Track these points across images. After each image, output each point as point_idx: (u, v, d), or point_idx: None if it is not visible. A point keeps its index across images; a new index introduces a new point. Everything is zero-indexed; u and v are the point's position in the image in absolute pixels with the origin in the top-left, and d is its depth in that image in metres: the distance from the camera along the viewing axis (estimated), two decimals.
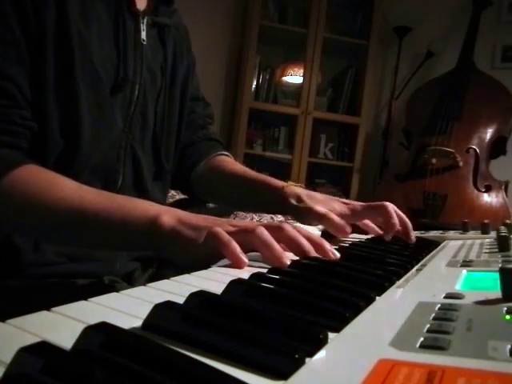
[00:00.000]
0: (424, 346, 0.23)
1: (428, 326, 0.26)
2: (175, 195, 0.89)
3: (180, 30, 0.79)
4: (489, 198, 2.27)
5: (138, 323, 0.26)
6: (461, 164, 2.32)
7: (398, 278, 0.41)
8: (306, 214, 0.67)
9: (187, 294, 0.29)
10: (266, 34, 2.75)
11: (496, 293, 0.32)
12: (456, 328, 0.25)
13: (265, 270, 0.41)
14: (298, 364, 0.21)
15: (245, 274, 0.39)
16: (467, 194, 2.29)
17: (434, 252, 0.60)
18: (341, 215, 0.67)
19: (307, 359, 0.22)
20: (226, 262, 0.46)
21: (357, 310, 0.30)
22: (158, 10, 0.72)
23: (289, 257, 0.46)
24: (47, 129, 0.58)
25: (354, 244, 0.63)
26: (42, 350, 0.20)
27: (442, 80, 2.57)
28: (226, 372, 0.20)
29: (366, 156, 2.86)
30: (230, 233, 0.46)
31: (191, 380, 0.19)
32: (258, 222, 0.58)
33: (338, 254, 0.49)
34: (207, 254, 0.47)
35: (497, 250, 0.56)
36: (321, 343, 0.24)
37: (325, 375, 0.21)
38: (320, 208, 0.66)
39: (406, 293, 0.36)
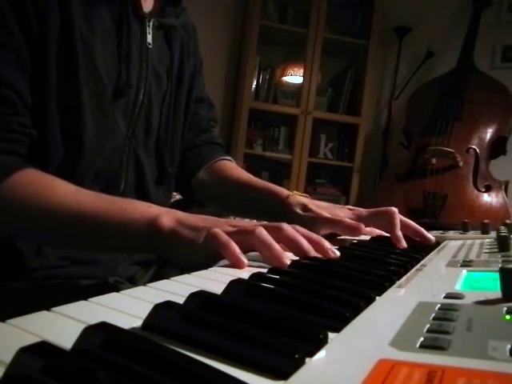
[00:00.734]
0: (424, 346, 0.23)
1: (428, 326, 0.26)
2: (175, 195, 0.89)
3: (188, 30, 0.79)
4: (489, 198, 2.27)
5: (138, 323, 0.26)
6: (461, 164, 2.32)
7: (398, 278, 0.41)
8: (313, 223, 0.65)
9: (187, 294, 0.29)
10: (266, 34, 2.75)
11: (496, 293, 0.32)
12: (456, 328, 0.25)
13: (265, 270, 0.41)
14: (298, 364, 0.21)
15: (245, 274, 0.39)
16: (467, 194, 2.29)
17: (433, 252, 0.60)
18: None
19: (307, 359, 0.22)
20: (225, 262, 0.46)
21: (357, 310, 0.30)
22: (164, 11, 0.71)
23: (289, 257, 0.46)
24: (49, 135, 0.58)
25: (354, 244, 0.63)
26: (42, 350, 0.20)
27: (442, 80, 2.57)
28: (226, 372, 0.20)
29: (366, 156, 2.86)
30: (229, 233, 0.46)
31: (191, 380, 0.19)
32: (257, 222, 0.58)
33: (337, 253, 0.49)
34: (207, 254, 0.47)
35: (497, 250, 0.56)
36: (321, 343, 0.24)
37: (325, 375, 0.21)
38: (327, 215, 0.65)
39: (405, 293, 0.36)
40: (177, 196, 0.90)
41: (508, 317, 0.27)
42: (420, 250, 0.60)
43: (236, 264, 0.44)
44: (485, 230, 0.76)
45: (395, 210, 0.65)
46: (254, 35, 2.70)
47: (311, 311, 0.29)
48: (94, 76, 0.60)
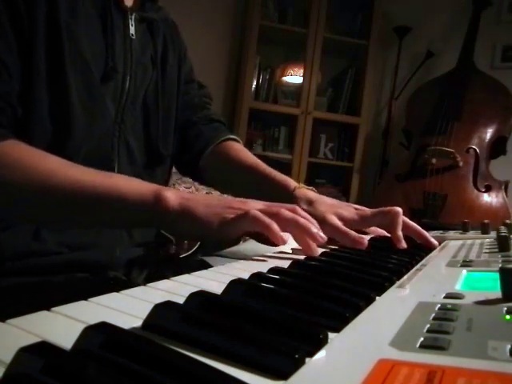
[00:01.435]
0: (424, 346, 0.23)
1: (428, 326, 0.26)
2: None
3: (169, 24, 0.81)
4: (489, 198, 2.27)
5: (138, 323, 0.26)
6: (461, 164, 2.32)
7: (398, 278, 0.41)
8: (318, 223, 0.65)
9: (187, 294, 0.29)
10: (266, 34, 2.74)
11: (496, 293, 0.32)
12: (456, 328, 0.25)
13: (265, 270, 0.41)
14: (298, 364, 0.21)
15: (245, 274, 0.39)
16: (467, 194, 2.29)
17: (434, 252, 0.60)
18: (350, 221, 0.66)
19: (307, 359, 0.22)
20: (223, 262, 0.46)
21: (357, 310, 0.30)
22: (144, 7, 0.74)
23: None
24: (37, 117, 0.58)
25: None
26: (42, 350, 0.20)
27: (442, 80, 2.57)
28: (226, 372, 0.20)
29: (366, 156, 2.86)
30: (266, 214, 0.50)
31: (191, 380, 0.19)
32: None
33: (324, 237, 0.52)
34: (236, 233, 0.51)
35: (497, 250, 0.56)
36: (321, 343, 0.24)
37: (325, 375, 0.21)
38: (333, 220, 0.63)
39: (406, 293, 0.36)
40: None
41: (508, 317, 0.27)
42: (420, 249, 0.60)
43: (281, 242, 0.49)
44: (485, 230, 0.76)
45: (400, 210, 0.65)
46: (254, 35, 2.70)
47: (311, 311, 0.29)
48: (81, 61, 0.61)
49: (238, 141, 0.87)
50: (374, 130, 3.00)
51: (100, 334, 0.22)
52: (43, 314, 0.27)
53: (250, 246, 0.67)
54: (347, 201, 2.83)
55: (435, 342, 0.23)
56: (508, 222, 0.71)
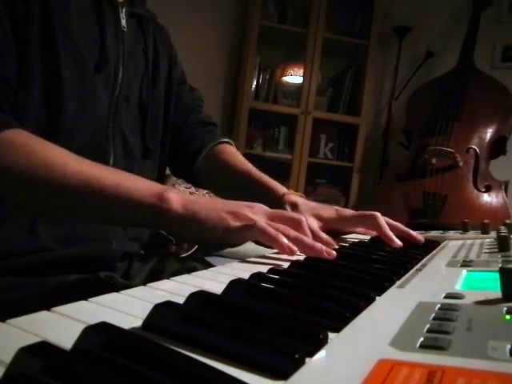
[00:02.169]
0: (424, 346, 0.23)
1: (428, 326, 0.26)
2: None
3: (158, 25, 0.82)
4: (489, 198, 2.27)
5: (138, 323, 0.26)
6: (461, 164, 2.32)
7: (398, 278, 0.41)
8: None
9: (187, 294, 0.29)
10: (266, 34, 2.74)
11: (496, 293, 0.32)
12: (456, 328, 0.25)
13: (265, 270, 0.41)
14: (298, 364, 0.21)
15: (245, 274, 0.39)
16: (467, 194, 2.29)
17: (434, 252, 0.60)
18: (328, 220, 0.69)
19: (307, 359, 0.22)
20: (223, 262, 0.46)
21: (357, 310, 0.30)
22: (134, 2, 0.75)
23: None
24: (30, 104, 0.58)
25: (354, 244, 0.63)
26: (42, 349, 0.20)
27: (442, 80, 2.57)
28: (226, 372, 0.20)
29: (366, 156, 2.86)
30: (271, 226, 0.51)
31: (191, 380, 0.19)
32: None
33: (333, 254, 0.51)
34: (240, 242, 0.52)
35: (497, 250, 0.56)
36: (321, 343, 0.24)
37: (325, 375, 0.21)
38: (309, 220, 0.65)
39: (406, 293, 0.36)
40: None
41: (508, 317, 0.27)
42: (420, 249, 0.60)
43: (289, 253, 0.49)
44: (485, 230, 0.76)
45: (378, 213, 0.67)
46: (254, 35, 2.70)
47: (311, 311, 0.29)
48: (73, 49, 0.62)
49: (231, 143, 0.89)
50: (374, 129, 3.00)
51: (100, 333, 0.22)
52: (43, 313, 0.27)
53: (250, 246, 0.67)
54: (347, 201, 2.83)
55: (435, 342, 0.23)
56: (508, 221, 0.71)
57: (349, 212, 0.71)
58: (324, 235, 0.57)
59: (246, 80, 2.73)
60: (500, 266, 0.32)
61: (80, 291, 0.30)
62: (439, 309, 0.29)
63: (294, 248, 0.49)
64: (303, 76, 2.79)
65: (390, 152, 2.85)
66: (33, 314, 0.27)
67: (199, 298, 0.29)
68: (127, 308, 0.29)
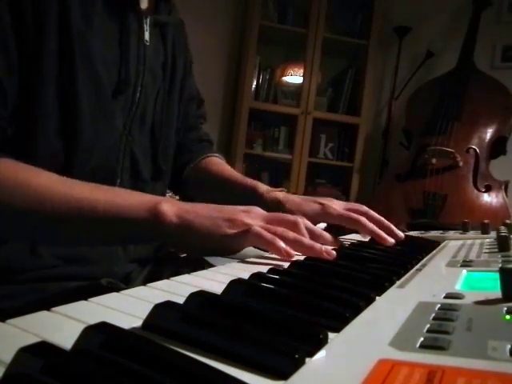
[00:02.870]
0: (424, 346, 0.23)
1: (428, 326, 0.26)
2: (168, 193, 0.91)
3: (177, 26, 0.80)
4: (489, 198, 2.27)
5: (138, 323, 0.26)
6: (461, 164, 2.32)
7: (398, 278, 0.41)
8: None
9: (187, 294, 0.29)
10: (266, 34, 2.75)
11: (496, 293, 0.32)
12: (456, 328, 0.25)
13: (265, 270, 0.41)
14: (298, 364, 0.21)
15: (245, 274, 0.39)
16: (467, 194, 2.29)
17: (434, 252, 0.60)
18: (313, 216, 0.67)
19: (307, 359, 0.22)
20: (223, 262, 0.46)
21: (357, 310, 0.30)
22: (158, 8, 0.72)
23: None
24: (43, 131, 0.56)
25: (354, 244, 0.63)
26: (42, 349, 0.20)
27: (442, 80, 2.57)
28: (226, 372, 0.20)
29: (366, 156, 2.86)
30: (268, 230, 0.50)
31: (191, 380, 0.19)
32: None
33: (333, 254, 0.50)
34: (224, 245, 0.51)
35: (497, 250, 0.56)
36: (321, 343, 0.24)
37: (325, 375, 0.21)
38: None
39: (406, 293, 0.36)
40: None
41: (508, 317, 0.27)
42: (420, 249, 0.60)
43: (286, 257, 0.48)
44: (485, 230, 0.76)
45: (362, 218, 0.64)
46: (254, 35, 2.70)
47: (311, 311, 0.29)
48: (93, 76, 0.59)
49: (219, 157, 0.89)
50: (374, 129, 3.00)
51: (100, 333, 0.22)
52: (43, 314, 0.27)
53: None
54: (347, 201, 2.83)
55: (435, 342, 0.23)
56: (508, 221, 0.71)
57: (334, 208, 0.68)
58: (324, 233, 0.57)
59: (245, 80, 2.73)
60: (500, 266, 0.32)
61: (81, 298, 0.30)
62: (439, 309, 0.29)
63: (292, 252, 0.48)
64: (303, 76, 2.79)
65: (390, 152, 2.85)
66: (33, 314, 0.27)
67: (199, 297, 0.29)
68: (127, 308, 0.29)
